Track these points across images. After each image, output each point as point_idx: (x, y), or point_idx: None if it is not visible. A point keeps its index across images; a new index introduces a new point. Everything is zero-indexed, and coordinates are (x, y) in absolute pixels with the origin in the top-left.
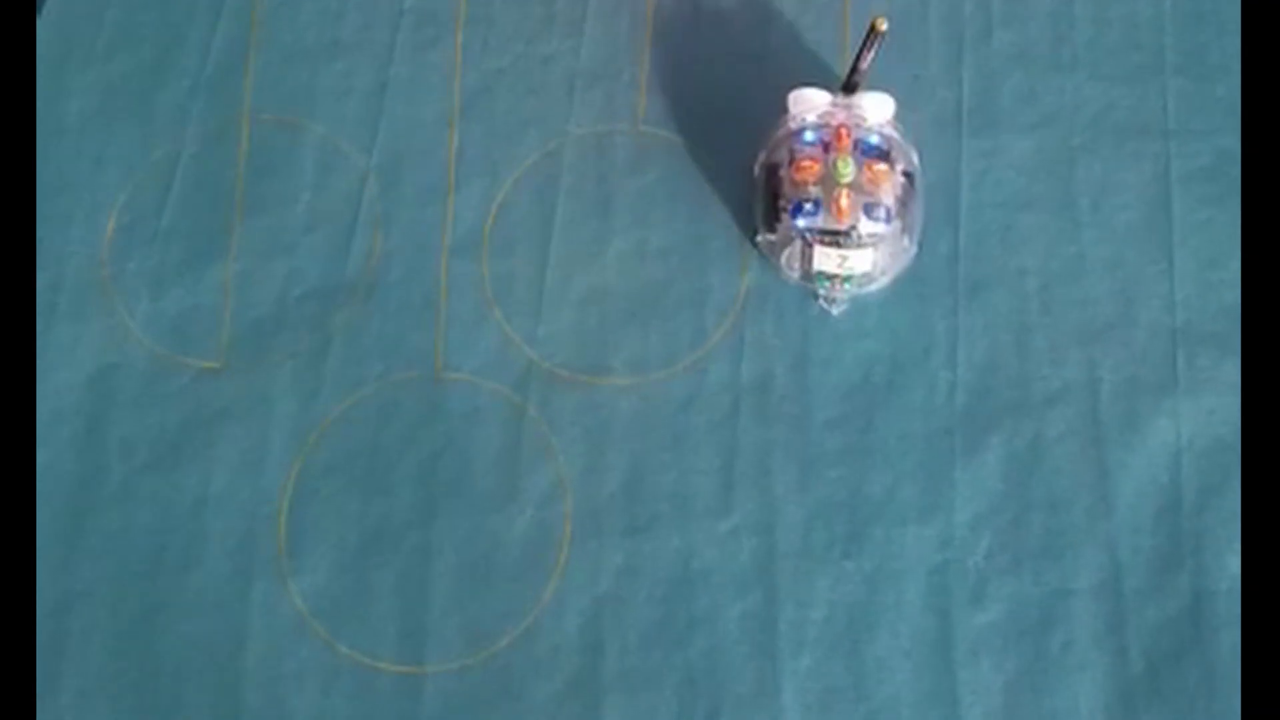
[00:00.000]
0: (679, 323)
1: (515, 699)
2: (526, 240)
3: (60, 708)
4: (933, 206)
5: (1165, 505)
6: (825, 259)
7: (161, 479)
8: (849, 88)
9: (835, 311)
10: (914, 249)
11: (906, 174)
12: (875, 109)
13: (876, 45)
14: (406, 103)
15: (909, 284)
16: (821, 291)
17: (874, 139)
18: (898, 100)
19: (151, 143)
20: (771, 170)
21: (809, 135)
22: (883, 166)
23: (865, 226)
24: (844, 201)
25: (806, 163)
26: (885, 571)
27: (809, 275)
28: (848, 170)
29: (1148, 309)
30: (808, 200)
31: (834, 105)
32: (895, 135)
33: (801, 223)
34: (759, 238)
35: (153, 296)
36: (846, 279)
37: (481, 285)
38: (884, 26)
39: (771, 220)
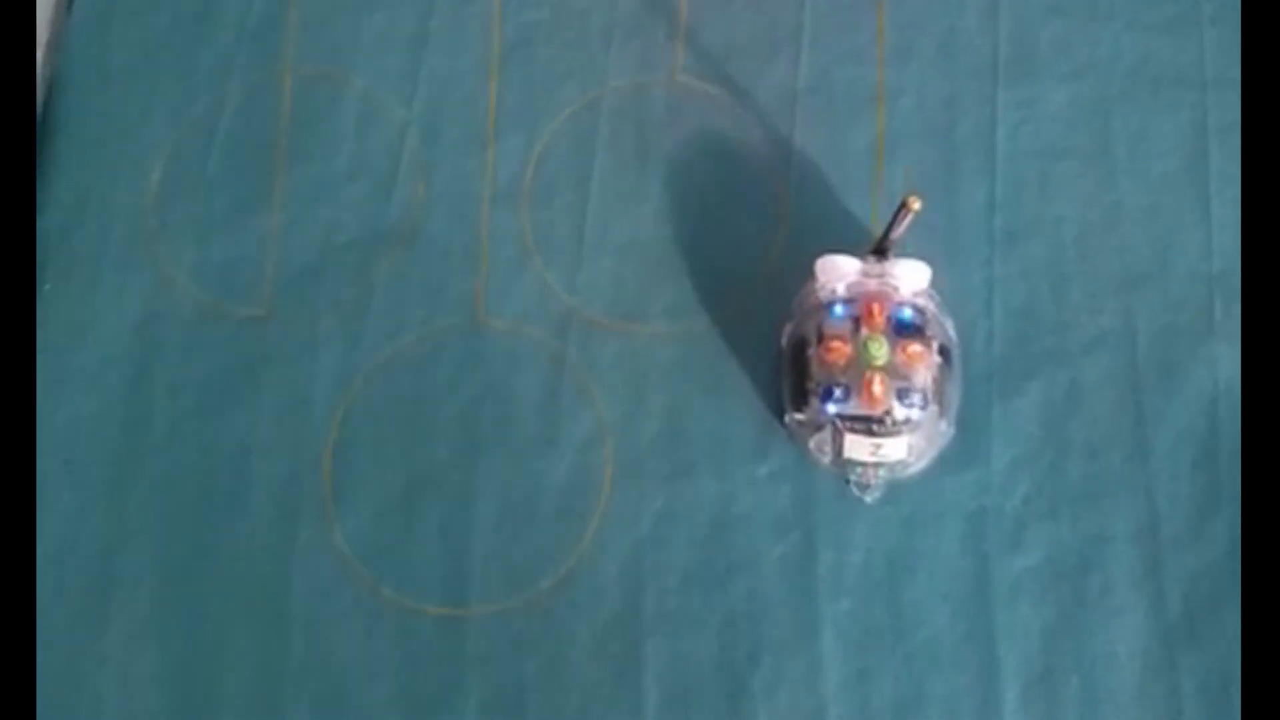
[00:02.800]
0: (716, 271)
1: (557, 641)
2: (566, 190)
3: (106, 650)
4: (969, 156)
5: (1202, 451)
6: (857, 447)
7: (207, 425)
8: (880, 252)
9: (869, 499)
10: (951, 430)
11: (943, 350)
12: (909, 277)
13: (908, 220)
14: (446, 54)
15: (945, 233)
16: (853, 478)
17: (908, 313)
18: (936, 248)
19: (195, 95)
20: (799, 347)
21: (839, 310)
22: (918, 347)
23: (899, 412)
24: (877, 388)
25: (836, 343)
26: (923, 516)
27: (840, 462)
28: (880, 352)
29: (1185, 257)
30: (838, 385)
31: (865, 274)
32: (931, 306)
33: (832, 409)
34: (787, 418)
35: (198, 246)
36: (880, 465)
37: (522, 234)
38: (917, 205)
39: (799, 400)
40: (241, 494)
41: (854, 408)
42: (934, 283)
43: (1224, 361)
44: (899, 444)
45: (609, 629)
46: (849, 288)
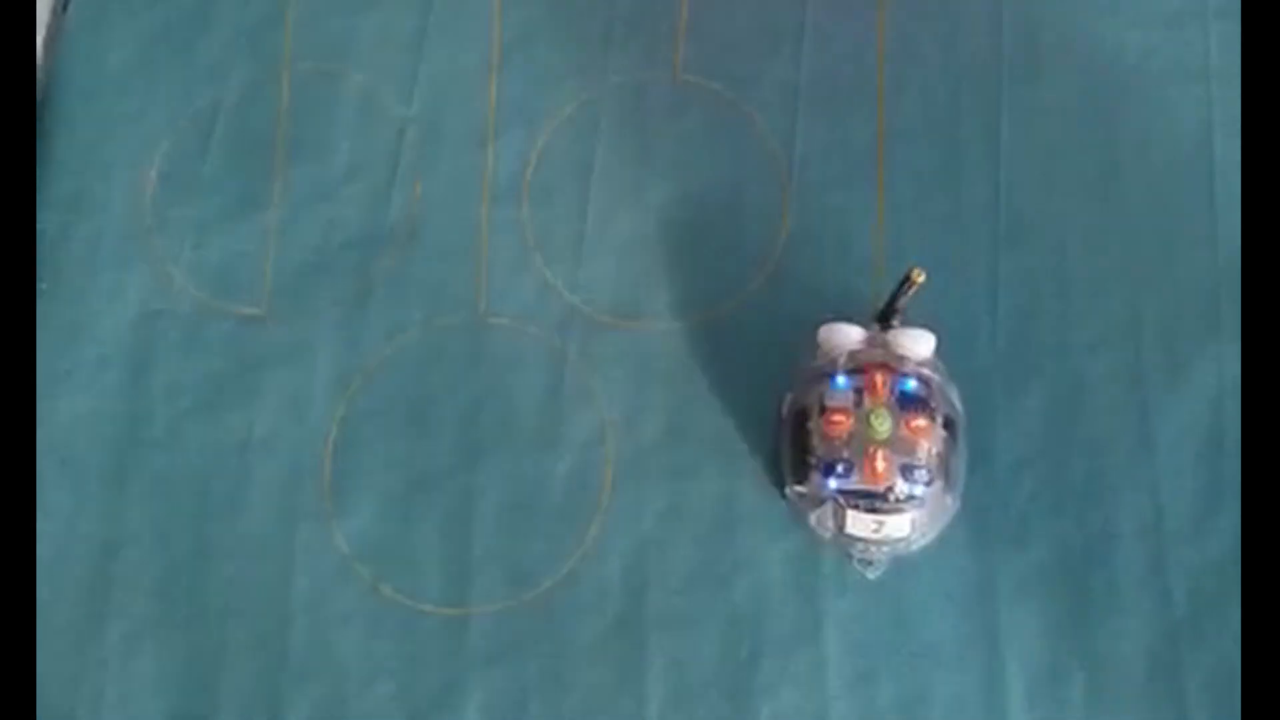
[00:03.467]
0: (718, 268)
1: (559, 640)
2: (566, 188)
3: (106, 650)
4: (973, 152)
5: (1207, 447)
6: (859, 523)
7: (206, 424)
8: (884, 320)
9: (871, 576)
10: (956, 505)
11: (948, 423)
12: (914, 347)
13: (912, 292)
14: (446, 51)
15: (949, 229)
16: (855, 553)
17: (912, 385)
18: (938, 330)
19: (192, 92)
20: (800, 418)
21: (841, 381)
22: (922, 421)
23: (903, 489)
24: (880, 464)
25: (838, 417)
26: None
27: (842, 538)
28: (884, 426)
29: (1189, 253)
30: (840, 460)
31: (868, 343)
32: (936, 378)
33: (833, 484)
34: (787, 490)
35: (195, 244)
36: (883, 543)
37: (522, 232)
38: (921, 278)
39: (800, 473)
40: (241, 493)
41: (856, 483)
42: (937, 350)
43: (1229, 357)
44: (902, 521)
45: (611, 628)
46: (851, 357)
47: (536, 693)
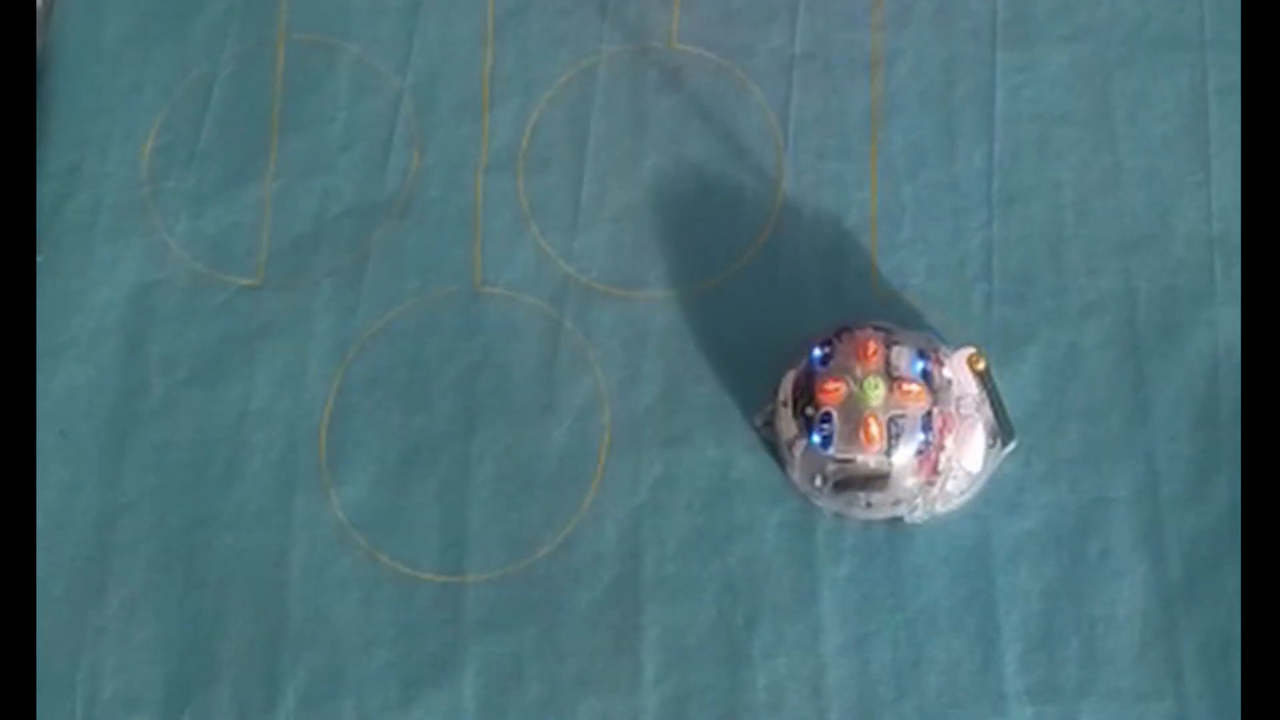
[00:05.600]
0: (713, 237)
1: (555, 608)
2: (561, 157)
3: (105, 620)
4: (968, 120)
5: (1202, 414)
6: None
7: (203, 394)
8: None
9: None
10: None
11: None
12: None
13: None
14: (440, 22)
15: (944, 196)
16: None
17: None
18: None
19: (188, 64)
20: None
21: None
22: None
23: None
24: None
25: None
26: None
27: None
28: (876, 394)
29: (1185, 219)
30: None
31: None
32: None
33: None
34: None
35: (191, 215)
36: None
37: (518, 202)
38: (980, 365)
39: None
40: (238, 463)
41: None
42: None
43: (1224, 323)
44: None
45: (607, 595)
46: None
47: (533, 660)
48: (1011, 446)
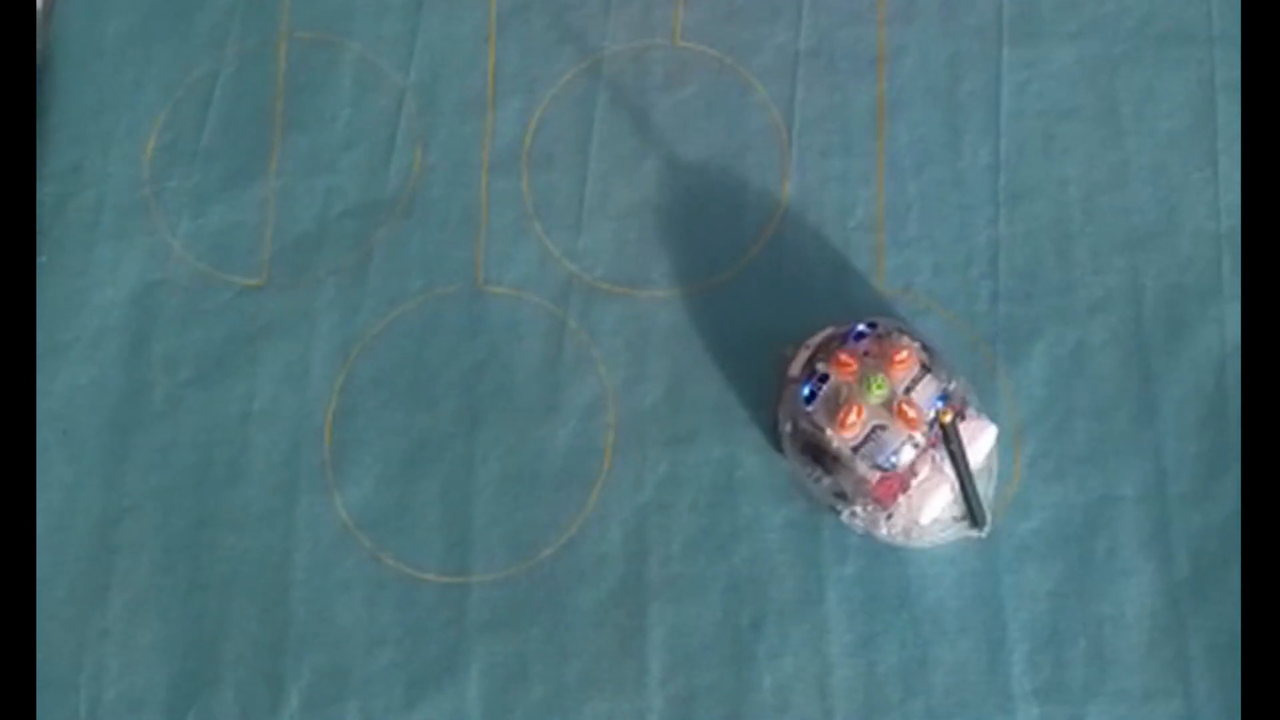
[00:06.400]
0: (718, 235)
1: (560, 608)
2: (565, 155)
3: (109, 621)
4: (973, 116)
5: (1210, 411)
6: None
7: (206, 394)
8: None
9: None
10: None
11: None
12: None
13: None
14: (443, 20)
15: (950, 194)
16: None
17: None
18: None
19: (190, 62)
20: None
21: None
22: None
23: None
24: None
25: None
26: None
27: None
28: (879, 392)
29: (1192, 216)
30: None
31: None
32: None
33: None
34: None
35: (194, 214)
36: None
37: (521, 200)
38: (948, 418)
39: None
40: (241, 463)
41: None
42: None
43: (1231, 320)
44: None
45: (612, 596)
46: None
47: (537, 660)
48: (979, 534)
